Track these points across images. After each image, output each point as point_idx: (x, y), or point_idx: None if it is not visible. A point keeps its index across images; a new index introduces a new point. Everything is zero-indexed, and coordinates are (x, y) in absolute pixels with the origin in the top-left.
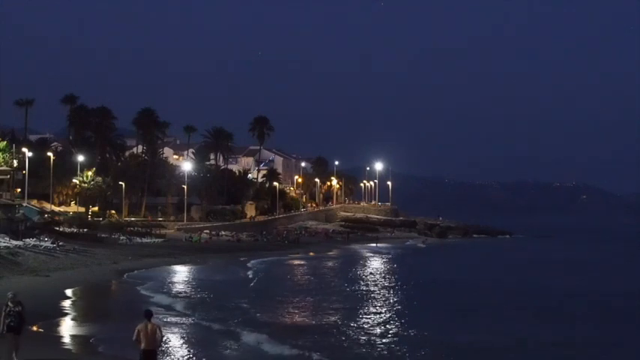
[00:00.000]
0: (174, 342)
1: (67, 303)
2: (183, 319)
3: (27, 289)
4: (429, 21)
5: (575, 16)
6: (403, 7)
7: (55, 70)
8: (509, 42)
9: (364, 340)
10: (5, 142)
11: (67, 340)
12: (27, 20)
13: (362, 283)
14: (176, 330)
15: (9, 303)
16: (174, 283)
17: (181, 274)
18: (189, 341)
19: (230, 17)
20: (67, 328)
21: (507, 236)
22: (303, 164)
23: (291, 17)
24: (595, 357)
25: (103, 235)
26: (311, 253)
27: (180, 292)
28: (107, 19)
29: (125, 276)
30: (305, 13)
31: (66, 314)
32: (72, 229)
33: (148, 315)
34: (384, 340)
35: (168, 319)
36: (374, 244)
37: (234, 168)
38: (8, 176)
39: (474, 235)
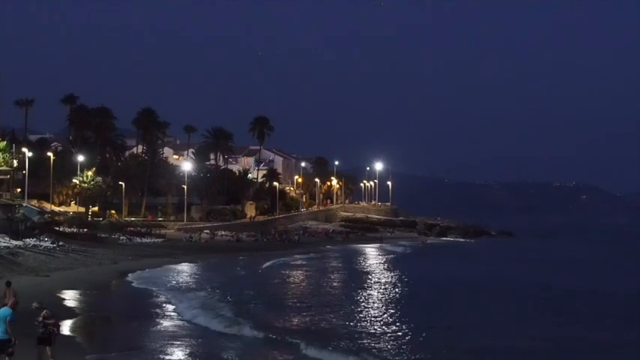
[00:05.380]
0: None
1: (67, 303)
2: None
3: (27, 289)
4: (429, 20)
5: (575, 15)
6: (402, 6)
7: (55, 70)
8: (509, 42)
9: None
10: (5, 142)
11: (70, 340)
12: (27, 20)
13: (361, 286)
14: None
15: (39, 315)
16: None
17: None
18: None
19: (230, 17)
20: (69, 328)
21: (506, 237)
22: (303, 164)
23: (291, 17)
24: (594, 356)
25: (103, 235)
26: (311, 254)
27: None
28: (107, 18)
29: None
30: (306, 12)
31: (67, 314)
32: (72, 229)
33: (8, 284)
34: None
35: None
36: (377, 245)
37: (234, 168)
38: (8, 176)
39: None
